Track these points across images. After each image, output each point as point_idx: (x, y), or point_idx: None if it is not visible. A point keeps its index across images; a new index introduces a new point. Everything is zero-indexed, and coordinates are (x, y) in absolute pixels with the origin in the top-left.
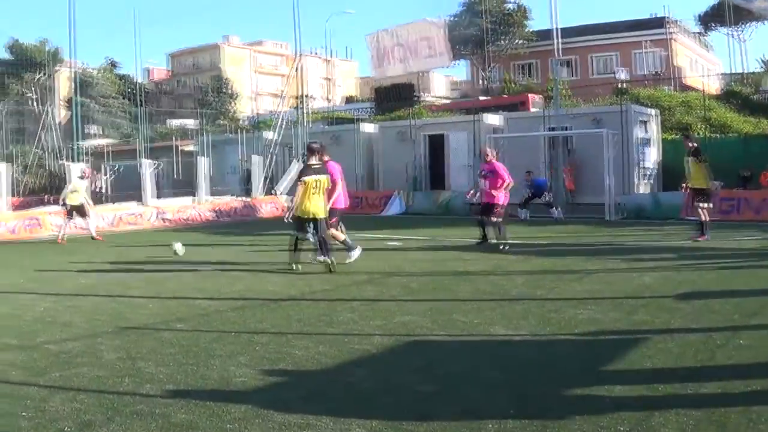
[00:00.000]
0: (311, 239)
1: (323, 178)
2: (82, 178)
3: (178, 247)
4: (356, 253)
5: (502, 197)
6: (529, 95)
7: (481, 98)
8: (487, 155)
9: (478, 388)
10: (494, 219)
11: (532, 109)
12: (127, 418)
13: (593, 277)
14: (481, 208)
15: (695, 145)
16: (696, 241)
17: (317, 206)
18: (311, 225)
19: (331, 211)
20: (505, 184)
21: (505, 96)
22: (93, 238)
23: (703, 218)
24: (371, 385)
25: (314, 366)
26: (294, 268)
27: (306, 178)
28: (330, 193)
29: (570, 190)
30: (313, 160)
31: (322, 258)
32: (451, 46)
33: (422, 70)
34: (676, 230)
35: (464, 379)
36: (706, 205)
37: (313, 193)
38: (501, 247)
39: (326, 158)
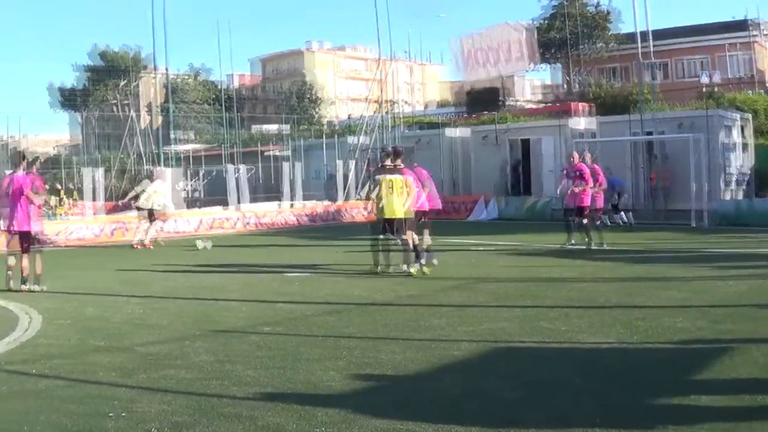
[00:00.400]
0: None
1: (397, 178)
2: (152, 181)
3: (200, 243)
4: (414, 268)
5: (588, 199)
6: (572, 104)
7: (531, 106)
8: (574, 157)
9: (565, 395)
10: (584, 221)
11: (580, 118)
12: (215, 420)
13: (682, 285)
14: (567, 210)
15: None
16: None
17: (394, 206)
18: (390, 225)
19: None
20: (588, 186)
21: (550, 104)
22: (134, 245)
23: None
24: (458, 391)
25: (402, 371)
26: (377, 270)
27: (379, 177)
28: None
29: (653, 194)
30: (388, 162)
31: (411, 267)
32: (538, 50)
33: (505, 74)
34: None
35: (551, 386)
36: None
37: (389, 193)
38: (593, 246)
39: (399, 164)
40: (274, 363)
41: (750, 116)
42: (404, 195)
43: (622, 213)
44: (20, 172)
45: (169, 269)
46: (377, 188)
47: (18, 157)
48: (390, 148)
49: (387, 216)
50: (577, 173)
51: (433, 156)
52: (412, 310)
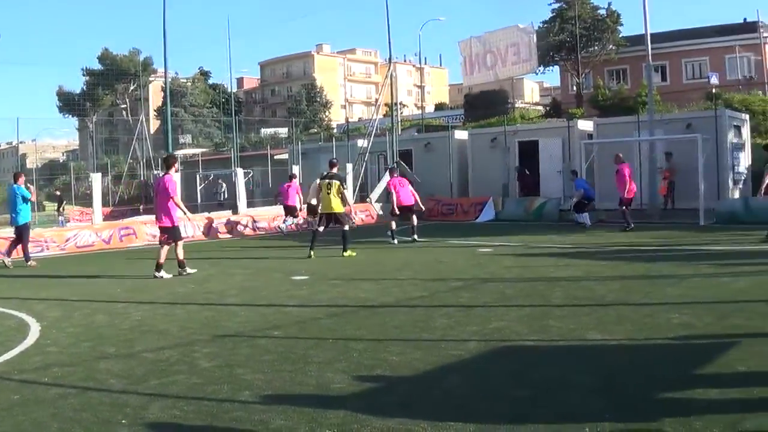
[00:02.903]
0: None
1: (334, 182)
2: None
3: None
4: (395, 242)
5: (627, 193)
6: None
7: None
8: (618, 158)
9: (573, 392)
10: (624, 208)
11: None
12: (227, 424)
13: (687, 282)
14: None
15: None
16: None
17: (331, 204)
18: (332, 219)
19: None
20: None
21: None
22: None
23: None
24: (467, 391)
25: (411, 372)
26: (310, 255)
27: (318, 181)
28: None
29: (663, 195)
30: (334, 170)
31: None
32: (543, 53)
33: (509, 77)
34: None
35: (559, 384)
36: None
37: (327, 193)
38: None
39: (334, 171)
40: (283, 366)
41: (747, 117)
42: (338, 195)
43: (581, 214)
44: (171, 175)
45: (174, 274)
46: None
47: (170, 161)
48: (336, 161)
49: (329, 211)
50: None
51: (441, 158)
52: (420, 311)
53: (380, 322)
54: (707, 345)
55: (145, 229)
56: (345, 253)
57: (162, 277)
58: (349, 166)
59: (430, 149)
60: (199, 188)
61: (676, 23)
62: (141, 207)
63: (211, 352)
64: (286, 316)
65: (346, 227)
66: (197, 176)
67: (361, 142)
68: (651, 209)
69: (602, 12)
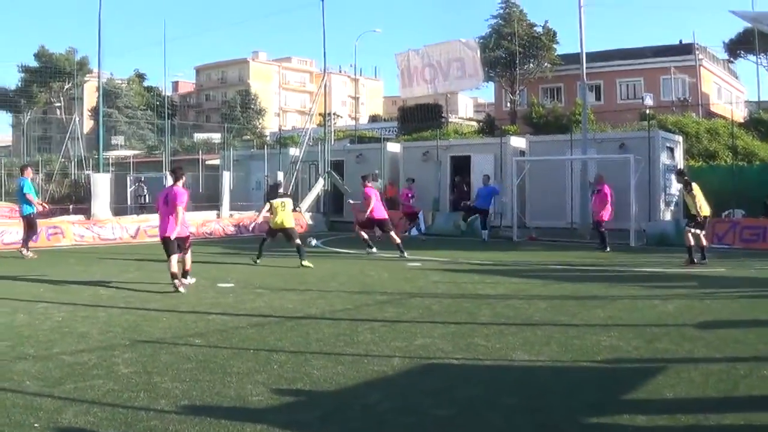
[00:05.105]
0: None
1: (287, 200)
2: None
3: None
4: (373, 251)
5: (606, 214)
6: None
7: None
8: (601, 179)
9: (497, 413)
10: (602, 230)
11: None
12: None
13: (616, 304)
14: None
15: (686, 179)
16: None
17: (283, 219)
18: (283, 233)
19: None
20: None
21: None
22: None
23: (687, 243)
24: (389, 408)
25: (332, 386)
26: (256, 262)
27: (272, 201)
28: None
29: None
30: (280, 191)
31: (305, 263)
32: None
33: (451, 92)
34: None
35: (483, 404)
36: (692, 230)
37: (282, 211)
38: (606, 250)
39: (281, 191)
40: (203, 376)
41: (681, 138)
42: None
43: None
44: (180, 186)
45: (101, 277)
46: (270, 207)
47: (178, 173)
48: (277, 182)
49: (281, 227)
50: (597, 190)
51: (373, 170)
52: (345, 324)
53: (303, 334)
54: (635, 369)
55: (73, 229)
56: (303, 263)
57: (188, 284)
58: (281, 175)
59: (362, 160)
60: (129, 190)
61: (613, 43)
62: (71, 207)
63: (130, 357)
64: (208, 324)
65: (298, 241)
66: (128, 178)
67: (294, 151)
68: (582, 228)
69: (539, 30)
